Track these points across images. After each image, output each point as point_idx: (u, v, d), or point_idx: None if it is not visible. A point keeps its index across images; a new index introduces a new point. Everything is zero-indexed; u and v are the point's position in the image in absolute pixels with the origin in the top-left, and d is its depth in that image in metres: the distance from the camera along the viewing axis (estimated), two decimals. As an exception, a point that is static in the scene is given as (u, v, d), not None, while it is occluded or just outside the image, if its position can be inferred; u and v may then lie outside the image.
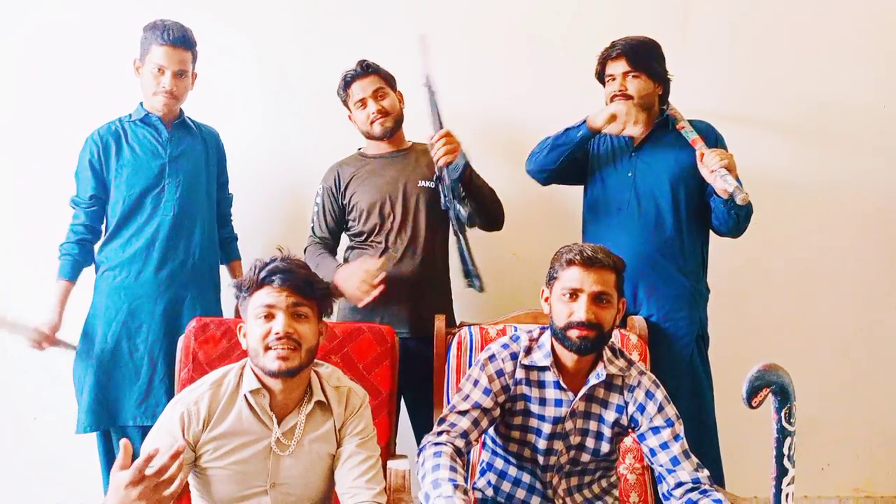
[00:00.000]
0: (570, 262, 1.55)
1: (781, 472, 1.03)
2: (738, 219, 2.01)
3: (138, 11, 2.26)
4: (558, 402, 1.61)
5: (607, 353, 1.62)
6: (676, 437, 1.56)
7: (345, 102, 2.23)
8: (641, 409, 1.60)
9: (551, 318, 1.60)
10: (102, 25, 2.46)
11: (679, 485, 1.53)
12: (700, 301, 2.14)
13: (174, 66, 2.09)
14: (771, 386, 1.02)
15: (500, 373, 1.62)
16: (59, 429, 2.51)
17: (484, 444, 1.78)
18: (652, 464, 1.60)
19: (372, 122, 2.17)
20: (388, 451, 1.91)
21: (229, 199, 2.37)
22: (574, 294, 1.54)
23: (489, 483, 1.74)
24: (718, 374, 2.16)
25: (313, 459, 1.52)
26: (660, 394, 1.61)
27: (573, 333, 1.53)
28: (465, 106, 2.57)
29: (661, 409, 1.59)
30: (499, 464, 1.73)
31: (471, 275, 2.03)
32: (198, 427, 1.45)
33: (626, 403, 1.61)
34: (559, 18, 2.61)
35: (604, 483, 1.72)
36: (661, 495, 1.59)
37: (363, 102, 2.17)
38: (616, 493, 1.77)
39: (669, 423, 1.57)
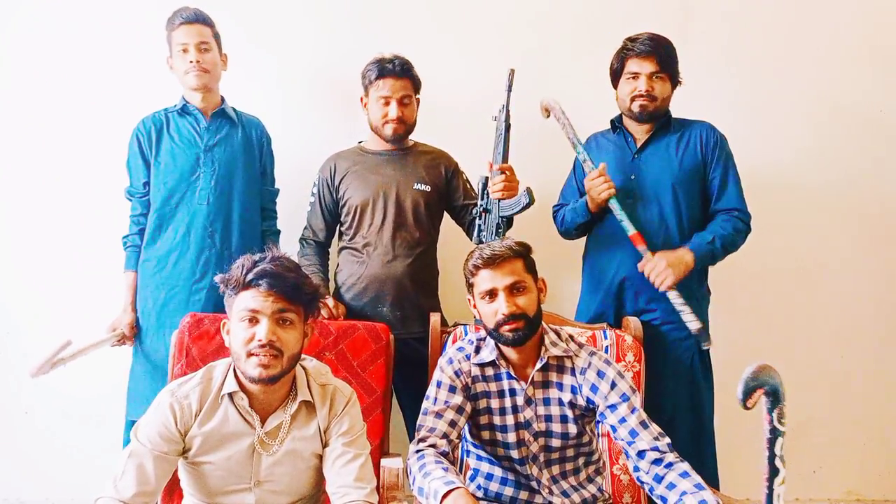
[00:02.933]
0: (476, 267, 1.60)
1: (773, 472, 1.04)
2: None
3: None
4: (513, 392, 1.65)
5: (550, 336, 1.66)
6: (633, 410, 1.58)
7: (366, 87, 2.18)
8: (595, 389, 1.61)
9: (483, 324, 1.65)
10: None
11: (640, 454, 1.53)
12: (702, 303, 2.15)
13: (195, 38, 2.12)
14: (764, 387, 1.02)
15: (458, 373, 1.66)
16: (50, 423, 2.52)
17: (468, 452, 1.80)
18: (615, 439, 1.61)
19: (385, 123, 2.16)
20: (382, 449, 1.91)
21: (272, 192, 2.34)
22: (491, 294, 1.59)
23: (479, 487, 1.75)
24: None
25: (298, 459, 1.51)
26: (611, 371, 1.62)
27: (504, 329, 1.58)
28: (459, 104, 2.58)
29: (613, 385, 1.60)
30: (484, 467, 1.75)
31: None
32: (189, 421, 1.46)
33: (580, 385, 1.63)
34: (560, 18, 2.62)
35: (589, 469, 1.73)
36: (632, 472, 1.58)
37: (387, 101, 2.14)
38: (600, 481, 1.76)
39: (624, 398, 1.59)
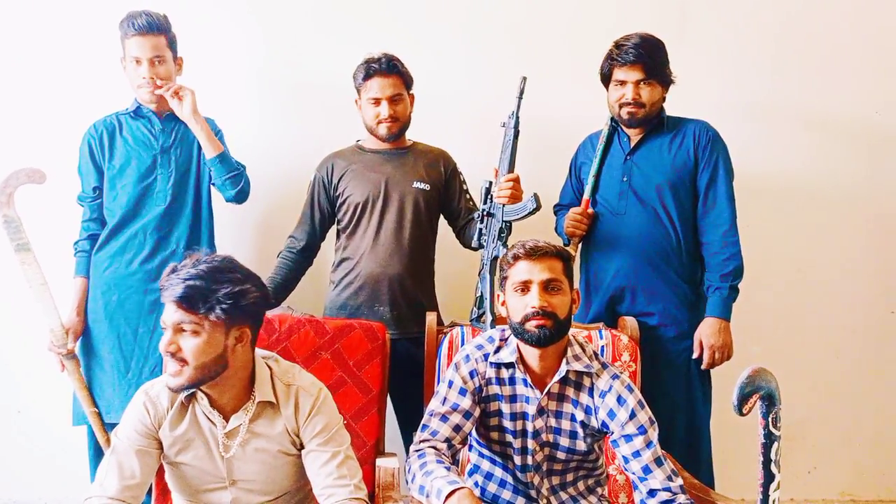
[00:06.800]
0: (516, 258, 1.57)
1: (768, 477, 1.03)
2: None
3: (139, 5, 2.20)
4: (527, 400, 1.62)
5: (574, 349, 1.61)
6: (649, 445, 1.54)
7: (357, 89, 2.17)
8: (612, 415, 1.57)
9: (509, 318, 1.60)
10: (104, 21, 2.40)
11: (651, 493, 1.52)
12: (699, 304, 2.13)
13: (148, 53, 2.06)
14: (760, 392, 1.02)
15: (472, 373, 1.62)
16: (44, 422, 2.51)
17: (470, 447, 1.77)
18: (626, 470, 1.58)
19: (379, 123, 2.15)
20: (378, 449, 1.91)
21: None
22: (525, 286, 1.55)
23: (476, 484, 1.73)
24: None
25: (268, 458, 1.49)
26: (632, 399, 1.57)
27: (531, 325, 1.53)
28: (460, 102, 2.58)
29: (633, 415, 1.55)
30: (485, 465, 1.73)
31: (486, 316, 1.97)
32: (163, 417, 1.47)
33: (597, 408, 1.59)
34: (558, 18, 2.61)
35: (590, 481, 1.71)
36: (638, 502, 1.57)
37: (377, 102, 2.13)
38: (601, 491, 1.75)
39: (642, 431, 1.54)
